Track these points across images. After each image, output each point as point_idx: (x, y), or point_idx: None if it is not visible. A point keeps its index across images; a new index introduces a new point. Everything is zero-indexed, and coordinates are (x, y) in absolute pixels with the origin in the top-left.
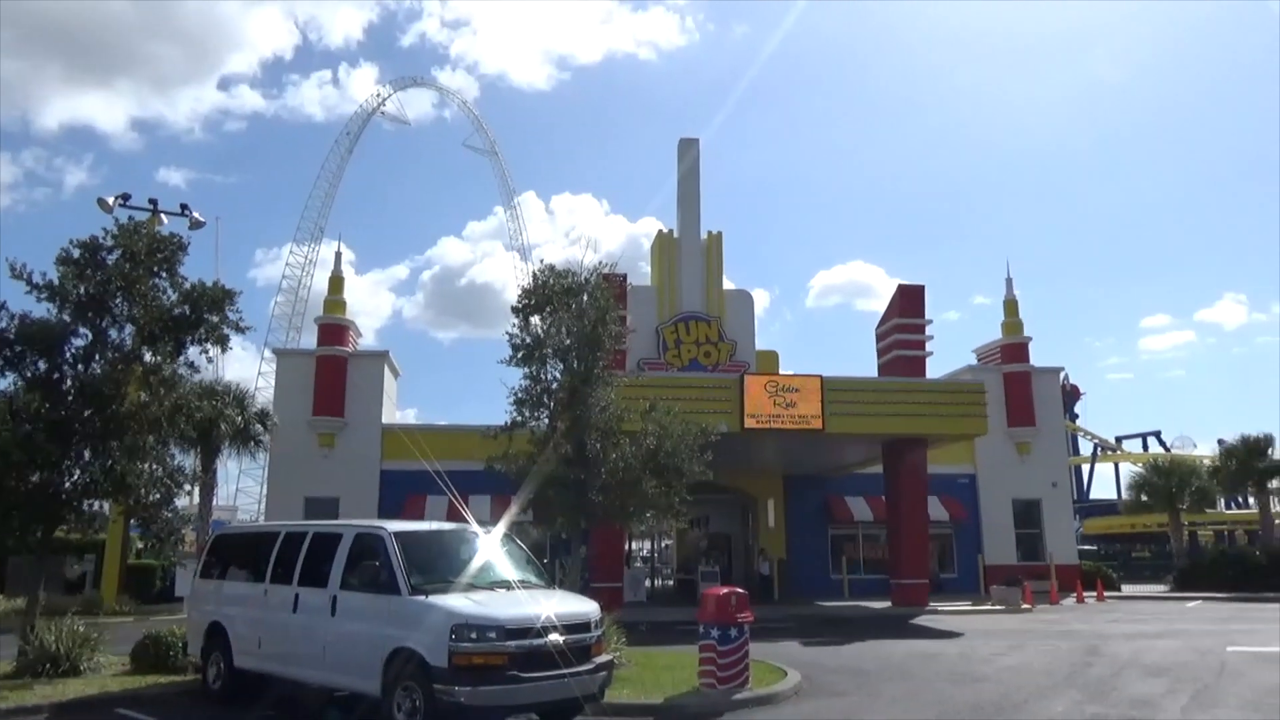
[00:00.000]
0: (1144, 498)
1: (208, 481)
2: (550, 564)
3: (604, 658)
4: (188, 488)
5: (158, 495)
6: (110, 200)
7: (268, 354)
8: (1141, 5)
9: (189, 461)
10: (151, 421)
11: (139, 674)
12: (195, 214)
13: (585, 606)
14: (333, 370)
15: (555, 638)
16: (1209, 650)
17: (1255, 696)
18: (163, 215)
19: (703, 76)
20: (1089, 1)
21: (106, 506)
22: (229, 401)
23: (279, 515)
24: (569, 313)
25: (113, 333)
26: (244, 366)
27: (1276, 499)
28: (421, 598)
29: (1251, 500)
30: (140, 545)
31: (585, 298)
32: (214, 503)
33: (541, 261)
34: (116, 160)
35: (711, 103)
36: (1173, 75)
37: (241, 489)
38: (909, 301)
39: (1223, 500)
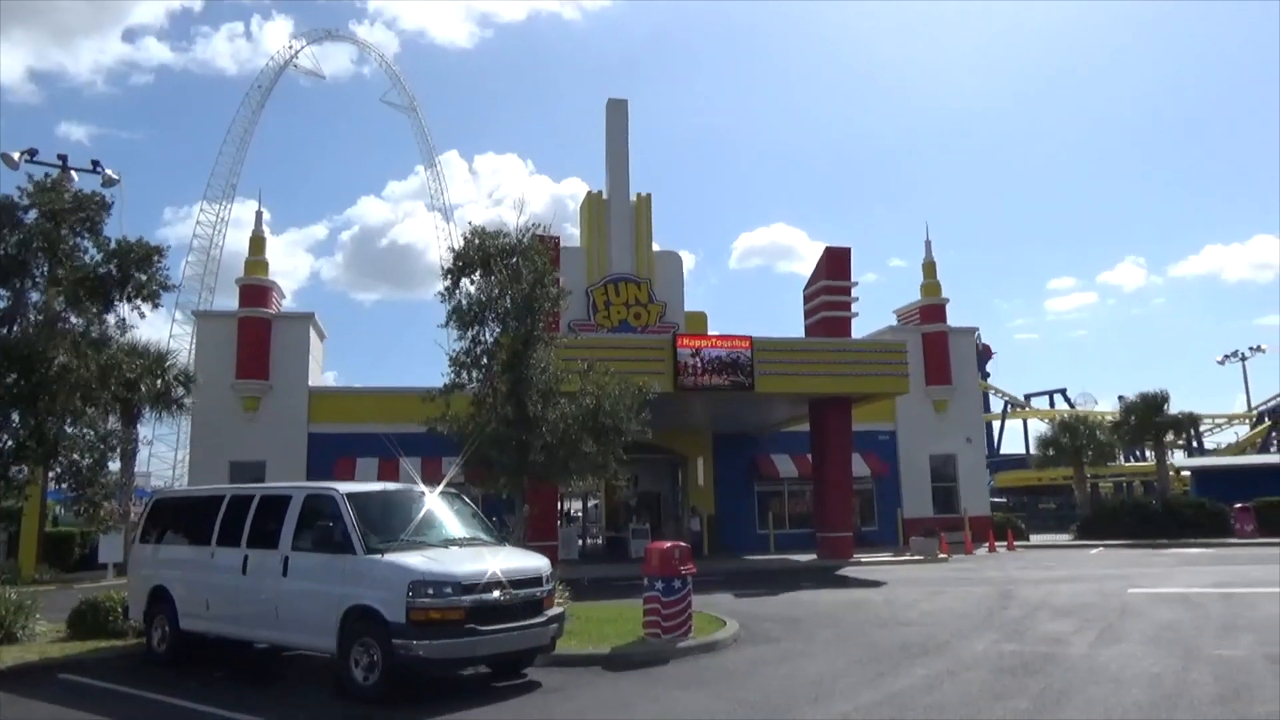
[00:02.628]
0: (1050, 452)
1: (128, 446)
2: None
3: (555, 610)
4: (118, 451)
5: (90, 460)
6: (15, 156)
7: (179, 316)
8: None
9: (113, 424)
10: (81, 384)
11: (77, 640)
12: (108, 171)
13: (536, 562)
14: (256, 332)
15: (508, 592)
16: (1112, 592)
17: (1154, 632)
18: (73, 172)
19: (626, 37)
20: None
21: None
22: (149, 363)
23: (203, 480)
24: (505, 275)
25: (35, 295)
26: (153, 329)
27: (1172, 452)
28: (377, 556)
29: (1149, 453)
30: (58, 512)
31: (519, 259)
32: (133, 468)
33: (470, 224)
34: (13, 113)
35: (634, 63)
36: (1078, 45)
37: (155, 454)
38: (836, 264)
39: (1122, 454)
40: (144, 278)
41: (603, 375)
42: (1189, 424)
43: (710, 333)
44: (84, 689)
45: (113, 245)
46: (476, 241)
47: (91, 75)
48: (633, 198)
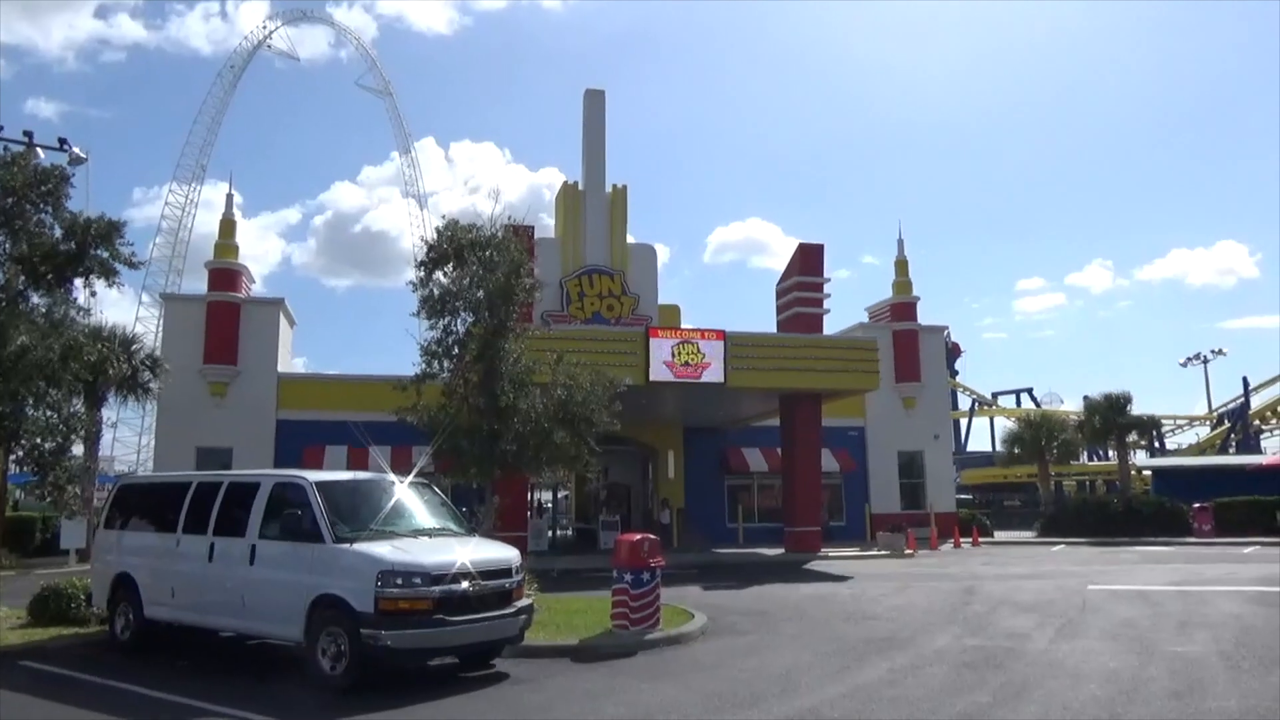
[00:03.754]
0: (1016, 450)
1: (92, 430)
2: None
3: (524, 602)
4: (82, 434)
5: (53, 443)
6: None
7: (146, 298)
8: None
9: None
10: (41, 365)
11: (39, 627)
12: (75, 149)
13: (505, 553)
14: (225, 317)
15: (477, 583)
16: (1072, 589)
17: (1112, 628)
18: (39, 149)
19: (605, 29)
20: None
21: None
22: (115, 346)
23: (169, 466)
24: (478, 265)
25: None
26: (119, 311)
27: (1134, 451)
28: (346, 545)
29: (1111, 453)
30: (19, 496)
31: (492, 252)
32: (96, 453)
33: (444, 216)
34: None
35: (612, 55)
36: (1050, 50)
37: (119, 439)
38: (809, 260)
39: (1085, 453)
40: (105, 254)
41: (574, 366)
42: (1151, 425)
43: (683, 326)
44: (46, 676)
45: (71, 221)
46: (449, 234)
47: (62, 51)
48: (609, 189)
